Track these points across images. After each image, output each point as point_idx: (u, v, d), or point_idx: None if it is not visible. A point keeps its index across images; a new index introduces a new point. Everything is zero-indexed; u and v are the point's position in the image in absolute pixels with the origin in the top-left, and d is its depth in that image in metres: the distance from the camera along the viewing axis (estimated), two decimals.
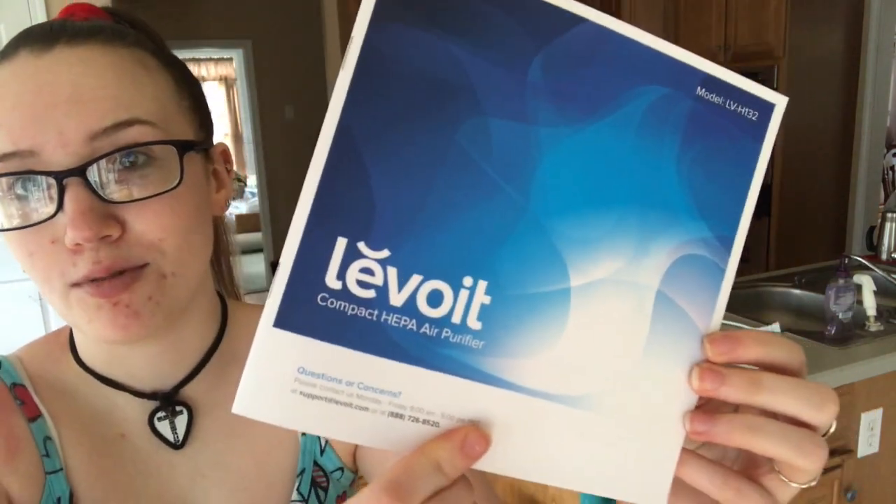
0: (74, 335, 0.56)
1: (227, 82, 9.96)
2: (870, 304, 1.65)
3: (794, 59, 3.79)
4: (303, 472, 0.60)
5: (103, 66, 0.46)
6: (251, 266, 5.97)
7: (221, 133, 10.08)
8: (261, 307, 0.31)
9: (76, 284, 0.46)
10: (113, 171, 0.45)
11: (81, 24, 0.49)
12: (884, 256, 2.32)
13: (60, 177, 0.44)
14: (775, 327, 1.67)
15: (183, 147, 0.48)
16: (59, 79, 0.45)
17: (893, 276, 1.97)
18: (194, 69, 9.77)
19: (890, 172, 6.30)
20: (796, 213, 4.03)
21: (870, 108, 4.11)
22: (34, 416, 0.53)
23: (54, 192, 0.44)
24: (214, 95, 9.96)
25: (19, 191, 0.45)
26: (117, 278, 0.46)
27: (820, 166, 4.07)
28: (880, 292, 1.71)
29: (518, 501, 1.70)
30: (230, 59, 9.84)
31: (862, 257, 2.11)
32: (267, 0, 5.94)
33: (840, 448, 1.54)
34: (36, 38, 0.47)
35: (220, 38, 5.92)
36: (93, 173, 0.45)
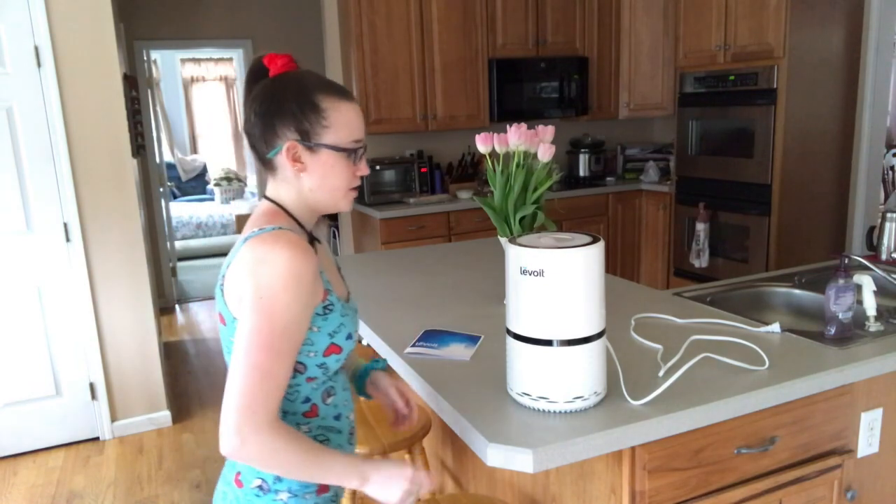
0: (296, 213, 1.17)
1: (227, 82, 9.96)
2: (870, 304, 1.65)
3: (794, 59, 3.80)
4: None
5: None
6: None
7: (222, 132, 10.07)
8: None
9: (352, 189, 1.18)
10: None
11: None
12: (884, 256, 2.32)
13: (363, 151, 1.19)
14: (775, 327, 1.67)
15: None
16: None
17: (893, 276, 1.97)
18: (194, 69, 9.78)
19: (890, 172, 6.31)
20: (796, 212, 4.04)
21: (870, 108, 4.11)
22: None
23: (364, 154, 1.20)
24: (214, 95, 9.95)
25: (360, 150, 1.17)
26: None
27: (820, 166, 4.08)
28: (880, 292, 1.71)
29: (518, 501, 1.70)
30: (230, 59, 9.84)
31: (862, 257, 2.11)
32: (267, 0, 5.95)
33: (840, 448, 1.53)
34: (345, 91, 1.15)
35: (220, 37, 5.92)
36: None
